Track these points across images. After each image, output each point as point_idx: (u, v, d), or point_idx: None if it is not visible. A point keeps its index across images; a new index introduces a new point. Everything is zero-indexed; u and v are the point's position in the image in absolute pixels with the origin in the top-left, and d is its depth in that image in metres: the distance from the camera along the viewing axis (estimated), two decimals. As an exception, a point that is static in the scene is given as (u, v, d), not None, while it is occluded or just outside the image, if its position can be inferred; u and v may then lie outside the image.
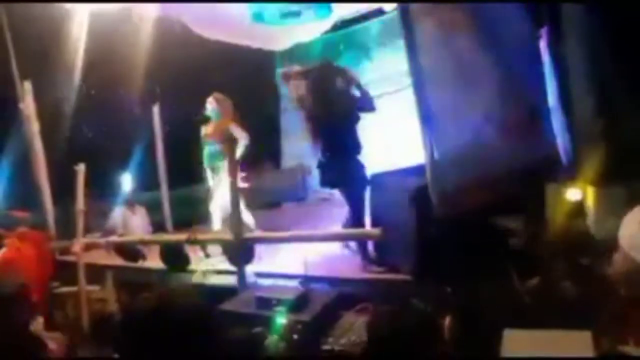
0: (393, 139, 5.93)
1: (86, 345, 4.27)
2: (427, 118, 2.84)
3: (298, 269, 3.56)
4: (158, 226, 6.12)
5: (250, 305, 2.49)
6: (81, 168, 4.46)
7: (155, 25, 5.78)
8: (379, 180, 3.28)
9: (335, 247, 4.06)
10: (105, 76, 5.95)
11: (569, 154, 2.80)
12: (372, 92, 6.39)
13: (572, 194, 2.41)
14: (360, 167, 3.81)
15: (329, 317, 2.41)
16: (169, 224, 6.27)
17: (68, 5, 4.98)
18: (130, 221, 5.94)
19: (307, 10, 5.43)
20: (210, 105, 4.90)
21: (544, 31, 3.73)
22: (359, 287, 2.94)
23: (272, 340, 2.21)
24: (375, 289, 2.83)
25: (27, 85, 5.14)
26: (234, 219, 3.33)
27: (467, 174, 2.74)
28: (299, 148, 6.52)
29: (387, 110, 6.22)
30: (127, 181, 6.06)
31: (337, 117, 3.88)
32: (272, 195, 6.88)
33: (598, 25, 2.55)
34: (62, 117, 5.86)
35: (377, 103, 6.27)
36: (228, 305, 2.59)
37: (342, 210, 3.97)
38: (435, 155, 2.80)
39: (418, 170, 3.21)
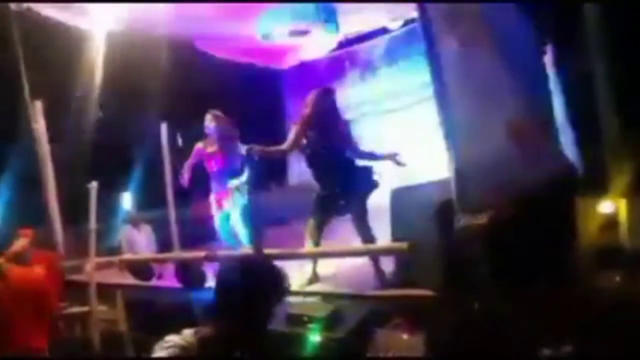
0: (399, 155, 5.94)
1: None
2: (451, 132, 2.85)
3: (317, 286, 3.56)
4: (164, 245, 6.07)
5: (280, 323, 2.45)
6: (94, 186, 4.43)
7: (164, 45, 5.85)
8: (401, 194, 3.28)
9: (349, 263, 4.07)
10: (115, 94, 5.95)
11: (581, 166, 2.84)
12: (378, 108, 6.51)
13: (604, 206, 2.42)
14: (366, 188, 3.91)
15: (363, 333, 2.38)
16: (176, 242, 6.21)
17: (81, 24, 5.03)
18: (135, 240, 5.89)
19: (316, 28, 5.50)
20: (210, 123, 4.84)
21: (548, 48, 3.82)
22: (385, 303, 2.91)
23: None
24: (403, 305, 2.80)
25: (38, 105, 5.13)
26: (256, 236, 3.30)
27: (492, 187, 2.75)
28: (305, 165, 6.54)
29: (393, 126, 6.30)
30: (127, 200, 6.02)
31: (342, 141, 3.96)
32: (278, 212, 6.86)
33: (619, 35, 2.60)
34: (72, 137, 5.83)
35: (382, 120, 6.41)
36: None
37: (344, 225, 3.98)
38: (461, 168, 2.81)
39: (438, 185, 3.23)
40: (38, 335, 3.06)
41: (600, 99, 2.56)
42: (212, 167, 4.83)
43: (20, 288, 3.04)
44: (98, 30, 5.45)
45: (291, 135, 4.04)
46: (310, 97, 4.08)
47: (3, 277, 3.00)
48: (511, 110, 2.92)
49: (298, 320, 2.41)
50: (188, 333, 1.49)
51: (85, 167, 5.47)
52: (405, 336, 2.38)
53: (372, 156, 4.07)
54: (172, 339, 1.47)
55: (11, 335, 2.99)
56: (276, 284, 1.53)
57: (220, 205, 4.72)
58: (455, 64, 2.83)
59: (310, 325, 2.38)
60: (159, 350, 1.46)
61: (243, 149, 4.87)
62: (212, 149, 4.82)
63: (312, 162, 4.12)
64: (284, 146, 4.02)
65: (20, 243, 3.43)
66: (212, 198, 4.85)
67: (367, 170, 3.99)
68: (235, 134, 4.91)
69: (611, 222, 2.40)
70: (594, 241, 2.41)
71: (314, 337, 2.27)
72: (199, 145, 4.94)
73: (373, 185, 3.93)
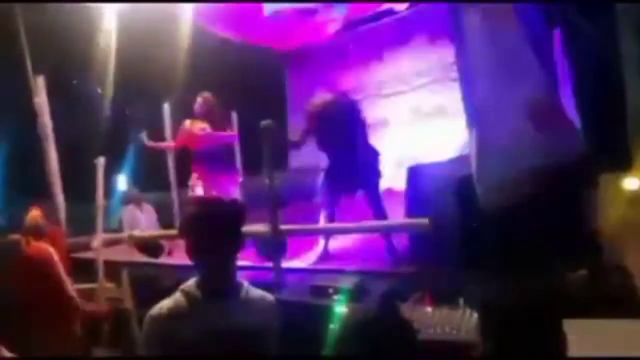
0: (406, 137, 5.95)
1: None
2: (472, 109, 2.86)
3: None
4: (167, 225, 6.04)
5: (304, 294, 2.47)
6: (101, 161, 4.39)
7: (168, 23, 5.77)
8: (418, 172, 3.29)
9: (361, 241, 4.12)
10: (117, 73, 5.86)
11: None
12: (383, 91, 6.49)
13: (629, 183, 2.44)
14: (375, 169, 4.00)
15: (387, 306, 2.39)
16: (177, 222, 6.19)
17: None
18: (137, 219, 5.87)
19: (324, 8, 5.45)
20: (200, 106, 4.83)
21: (572, 24, 3.82)
22: (404, 280, 2.93)
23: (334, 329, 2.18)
24: (422, 281, 2.82)
25: (41, 81, 5.04)
26: (271, 212, 3.30)
27: (513, 165, 2.77)
28: (305, 148, 6.53)
29: (398, 110, 6.29)
30: (123, 181, 5.99)
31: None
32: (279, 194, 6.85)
33: None
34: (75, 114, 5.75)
35: (389, 103, 6.39)
36: (281, 294, 2.56)
37: (354, 204, 4.02)
38: (481, 146, 2.82)
39: (457, 162, 3.24)
40: (54, 310, 3.07)
41: (626, 75, 2.57)
42: (197, 147, 4.82)
43: (36, 262, 3.08)
44: (101, 7, 5.38)
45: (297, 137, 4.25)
46: (314, 106, 4.15)
47: (21, 253, 3.04)
48: (532, 88, 2.94)
49: (323, 292, 2.42)
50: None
51: (89, 144, 5.43)
52: (429, 309, 2.40)
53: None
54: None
55: (29, 311, 3.02)
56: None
57: (196, 186, 4.75)
58: (479, 39, 2.83)
59: (336, 297, 2.39)
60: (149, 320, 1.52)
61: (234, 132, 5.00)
62: (198, 129, 4.79)
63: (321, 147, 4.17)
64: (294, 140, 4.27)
65: (35, 216, 3.43)
66: (193, 178, 4.86)
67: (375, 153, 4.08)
68: (226, 117, 4.96)
69: (637, 198, 2.42)
70: (619, 218, 2.43)
71: (340, 309, 2.28)
72: (186, 124, 4.92)
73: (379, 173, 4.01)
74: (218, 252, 1.51)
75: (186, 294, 1.53)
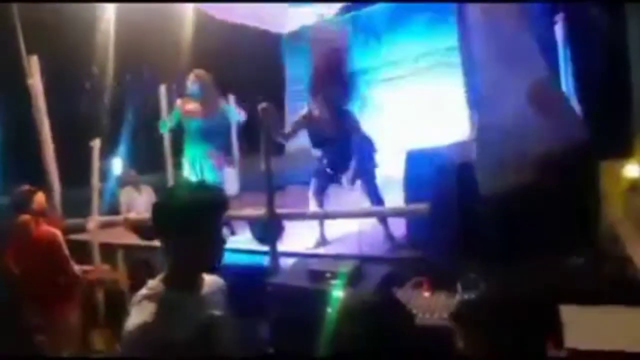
0: (404, 122, 5.89)
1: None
2: (474, 94, 2.84)
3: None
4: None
5: (301, 278, 2.45)
6: (96, 144, 4.35)
7: (166, 5, 5.68)
8: (417, 157, 3.26)
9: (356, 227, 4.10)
10: (113, 54, 5.78)
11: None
12: (382, 75, 6.41)
13: (630, 170, 2.43)
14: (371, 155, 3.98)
15: (383, 291, 2.38)
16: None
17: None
18: (135, 201, 5.83)
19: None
20: (193, 83, 4.62)
21: (559, 17, 3.79)
22: (401, 265, 2.92)
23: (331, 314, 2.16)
24: (420, 267, 2.81)
25: (34, 60, 4.95)
26: (267, 196, 3.27)
27: (513, 151, 2.75)
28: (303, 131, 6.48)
29: (397, 94, 6.22)
30: (118, 164, 5.92)
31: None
32: (275, 178, 6.81)
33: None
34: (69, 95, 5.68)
35: (387, 87, 6.32)
36: (278, 279, 2.55)
37: (350, 193, 4.00)
38: (482, 131, 2.80)
39: (456, 147, 3.22)
40: (56, 289, 3.34)
41: (629, 61, 2.54)
42: (190, 125, 4.72)
43: (45, 242, 3.36)
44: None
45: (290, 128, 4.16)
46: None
47: (30, 233, 3.32)
48: (532, 74, 2.91)
49: (320, 277, 2.40)
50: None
51: (85, 127, 5.37)
52: (426, 294, 2.39)
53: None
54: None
55: (34, 289, 3.26)
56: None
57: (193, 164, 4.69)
58: (482, 24, 2.80)
59: (333, 282, 2.38)
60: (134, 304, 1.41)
61: (237, 110, 4.87)
62: (191, 106, 4.68)
63: (314, 138, 4.12)
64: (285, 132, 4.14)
65: (41, 198, 3.50)
66: (186, 156, 4.78)
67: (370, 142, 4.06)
68: (219, 94, 4.78)
69: (636, 185, 2.41)
70: (618, 205, 2.42)
71: (337, 293, 2.26)
72: (178, 101, 4.83)
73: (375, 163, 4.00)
74: (193, 239, 1.39)
75: (154, 296, 1.39)
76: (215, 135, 4.69)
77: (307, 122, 4.05)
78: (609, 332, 1.66)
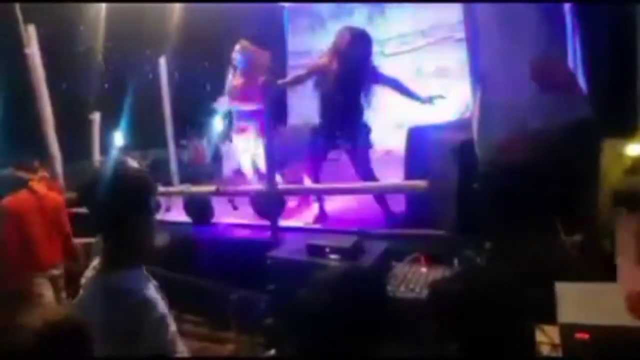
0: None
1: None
2: (477, 72, 2.81)
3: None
4: (164, 183, 6.00)
5: (301, 253, 2.47)
6: (96, 117, 4.32)
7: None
8: (419, 134, 3.24)
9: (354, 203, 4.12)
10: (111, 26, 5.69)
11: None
12: (387, 51, 6.33)
13: (631, 149, 2.41)
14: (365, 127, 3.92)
15: (383, 266, 2.40)
16: (175, 180, 6.15)
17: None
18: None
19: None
20: (241, 55, 4.53)
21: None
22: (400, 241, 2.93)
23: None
24: (418, 242, 2.82)
25: (32, 30, 4.88)
26: (269, 172, 3.27)
27: (515, 128, 2.73)
28: (306, 106, 6.42)
29: (400, 70, 6.15)
30: (119, 138, 5.89)
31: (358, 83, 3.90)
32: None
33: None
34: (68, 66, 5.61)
35: (392, 62, 6.25)
36: (278, 253, 2.57)
37: (350, 170, 3.98)
38: (484, 108, 2.77)
39: (458, 124, 3.20)
40: (55, 248, 3.48)
41: (637, 37, 2.50)
42: (236, 99, 4.66)
43: (46, 203, 3.44)
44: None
45: (290, 78, 4.14)
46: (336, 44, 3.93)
47: (35, 192, 3.42)
48: (538, 49, 2.87)
49: (319, 251, 2.42)
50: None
51: (84, 100, 5.32)
52: (423, 269, 2.41)
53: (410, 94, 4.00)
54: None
55: (35, 246, 3.36)
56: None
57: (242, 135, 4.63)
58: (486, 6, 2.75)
59: (332, 256, 2.39)
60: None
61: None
62: (237, 81, 4.62)
63: (323, 101, 4.06)
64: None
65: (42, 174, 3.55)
66: (235, 128, 4.75)
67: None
68: (266, 63, 4.58)
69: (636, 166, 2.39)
70: (620, 184, 2.41)
71: (336, 268, 2.27)
72: (229, 78, 4.77)
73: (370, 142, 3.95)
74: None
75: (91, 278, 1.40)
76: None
77: (323, 70, 3.92)
78: (604, 308, 1.67)
